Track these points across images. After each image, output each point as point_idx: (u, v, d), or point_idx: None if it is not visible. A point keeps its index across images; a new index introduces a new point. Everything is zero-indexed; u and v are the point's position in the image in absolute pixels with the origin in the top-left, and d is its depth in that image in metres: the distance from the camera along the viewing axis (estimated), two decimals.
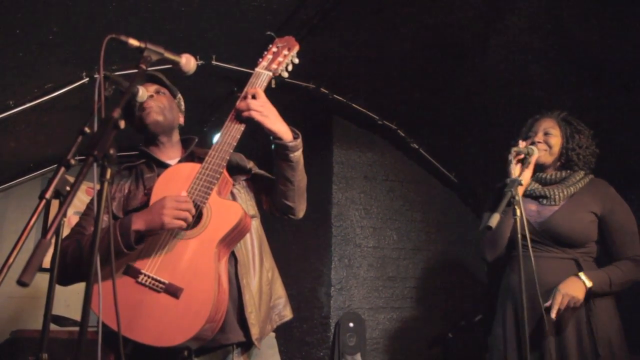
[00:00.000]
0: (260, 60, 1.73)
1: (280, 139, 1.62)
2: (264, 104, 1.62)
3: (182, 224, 1.50)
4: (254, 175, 1.87)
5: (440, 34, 2.98)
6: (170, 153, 1.81)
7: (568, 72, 2.87)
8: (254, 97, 1.64)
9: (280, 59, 1.72)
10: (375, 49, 3.24)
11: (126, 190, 1.70)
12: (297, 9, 2.75)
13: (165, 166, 1.75)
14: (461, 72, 3.26)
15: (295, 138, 1.65)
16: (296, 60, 1.76)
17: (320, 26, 2.93)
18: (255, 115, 1.60)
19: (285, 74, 1.74)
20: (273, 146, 1.67)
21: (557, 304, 2.00)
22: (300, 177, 1.72)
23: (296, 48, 1.75)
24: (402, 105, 3.88)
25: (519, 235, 1.86)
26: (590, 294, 2.03)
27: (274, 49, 1.74)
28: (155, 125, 1.74)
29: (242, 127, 1.64)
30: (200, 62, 3.08)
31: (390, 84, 3.65)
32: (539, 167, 2.30)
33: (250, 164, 1.89)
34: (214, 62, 3.15)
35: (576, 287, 2.02)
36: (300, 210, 1.80)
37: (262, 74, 1.70)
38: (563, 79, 2.92)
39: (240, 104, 1.64)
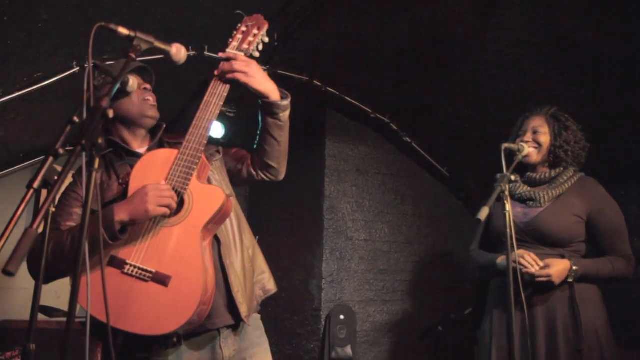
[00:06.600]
0: (230, 40, 1.70)
1: (268, 98, 1.60)
2: (249, 64, 1.58)
3: (166, 210, 1.49)
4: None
5: (435, 27, 2.96)
6: (140, 142, 1.77)
7: (562, 68, 2.87)
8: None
9: (251, 38, 1.69)
10: (369, 42, 3.22)
11: (98, 181, 1.65)
12: (291, 0, 2.72)
13: (134, 154, 1.72)
14: (455, 66, 3.25)
15: (283, 98, 1.64)
16: (266, 40, 1.73)
17: (314, 18, 2.90)
18: (240, 77, 1.57)
19: (257, 54, 1.71)
20: (261, 105, 1.64)
21: (539, 273, 2.05)
22: (285, 138, 1.73)
23: (265, 27, 1.72)
24: (395, 98, 3.87)
25: (508, 230, 1.88)
26: (575, 276, 2.08)
27: (243, 28, 1.71)
28: (153, 119, 1.73)
29: (213, 118, 1.60)
30: (192, 53, 3.05)
31: (383, 77, 3.64)
32: (530, 167, 2.31)
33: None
34: (206, 53, 3.12)
35: (561, 269, 2.07)
36: (282, 172, 1.81)
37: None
38: (557, 74, 2.92)
39: (223, 66, 1.60)
